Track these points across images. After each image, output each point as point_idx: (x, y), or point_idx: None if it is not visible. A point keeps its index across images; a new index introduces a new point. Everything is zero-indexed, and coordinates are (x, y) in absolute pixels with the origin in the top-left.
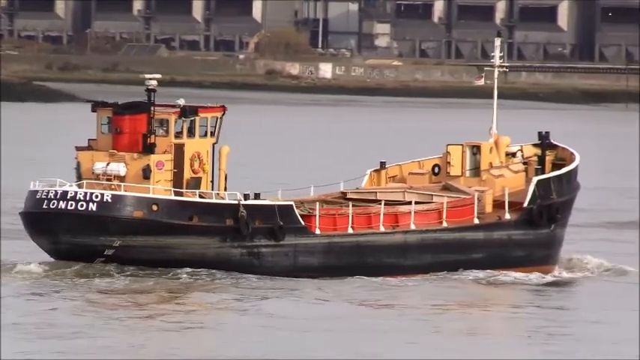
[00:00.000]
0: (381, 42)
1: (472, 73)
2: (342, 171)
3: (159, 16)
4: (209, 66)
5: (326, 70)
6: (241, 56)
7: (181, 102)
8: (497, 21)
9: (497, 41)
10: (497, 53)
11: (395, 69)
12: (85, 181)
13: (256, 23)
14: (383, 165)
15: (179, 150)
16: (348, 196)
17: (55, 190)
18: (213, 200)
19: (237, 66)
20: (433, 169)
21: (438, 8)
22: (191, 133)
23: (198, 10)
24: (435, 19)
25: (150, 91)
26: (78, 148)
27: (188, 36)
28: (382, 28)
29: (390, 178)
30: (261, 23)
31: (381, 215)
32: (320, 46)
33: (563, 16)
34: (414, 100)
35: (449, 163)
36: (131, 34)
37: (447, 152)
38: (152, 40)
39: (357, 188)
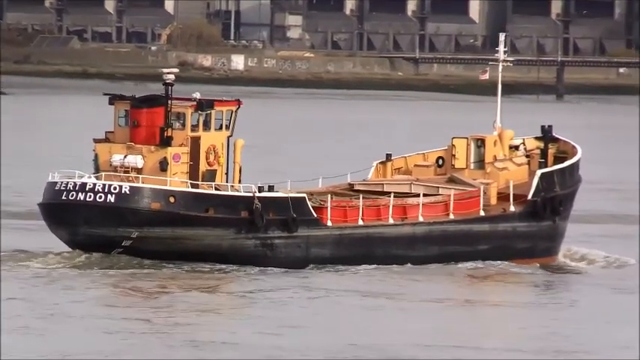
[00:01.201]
0: (293, 34)
1: (383, 66)
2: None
3: (71, 7)
4: (121, 58)
5: (238, 61)
6: (153, 48)
7: (197, 96)
8: (409, 13)
9: (502, 36)
10: (501, 48)
11: (307, 61)
12: (103, 173)
13: (168, 15)
14: (389, 157)
15: (195, 143)
16: (355, 188)
17: (74, 182)
18: (229, 192)
19: (150, 58)
20: (437, 161)
21: (350, 0)
22: (207, 126)
23: (110, 1)
24: (347, 11)
25: (167, 85)
26: (96, 140)
27: (100, 28)
28: (294, 20)
29: (395, 170)
30: (174, 15)
31: (390, 207)
32: (232, 37)
33: (475, 8)
34: (326, 92)
35: (454, 155)
36: (43, 26)
37: (452, 145)
38: (64, 32)
39: (363, 180)
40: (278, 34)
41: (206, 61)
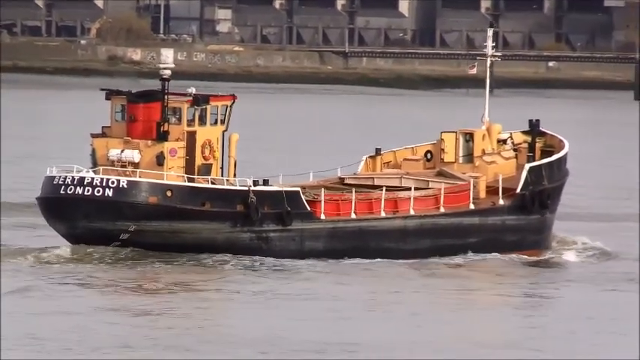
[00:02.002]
0: (223, 27)
1: (313, 59)
2: None
3: (0, 2)
4: (51, 52)
5: (168, 55)
6: (83, 42)
7: (192, 91)
8: (339, 7)
9: (490, 31)
10: (489, 43)
11: (236, 54)
12: (101, 168)
13: (98, 9)
14: (378, 151)
15: (191, 137)
16: (346, 182)
17: (72, 176)
18: (225, 186)
19: (79, 52)
20: (426, 155)
21: None
22: (202, 121)
23: None
24: (277, 5)
25: (164, 80)
26: (93, 135)
27: (30, 21)
28: (224, 14)
29: (384, 164)
30: (103, 9)
31: (382, 201)
32: (162, 31)
33: (404, 2)
34: (256, 86)
35: (443, 149)
36: None
37: (441, 139)
38: None
39: (354, 174)
40: (207, 28)
41: (135, 55)
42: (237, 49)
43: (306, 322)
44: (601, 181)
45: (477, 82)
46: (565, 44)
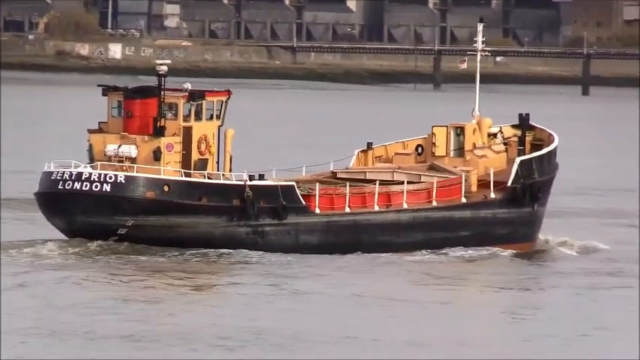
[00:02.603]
0: (171, 22)
1: (261, 54)
2: None
3: None
4: None
5: (116, 50)
6: (31, 37)
7: (188, 86)
8: (287, 2)
9: (480, 26)
10: (479, 38)
11: (184, 50)
12: (99, 163)
13: (46, 4)
14: (370, 145)
15: (187, 132)
16: (338, 176)
17: (70, 172)
18: (221, 181)
19: (27, 47)
20: (417, 149)
21: None
22: (198, 116)
23: None
24: (225, 0)
25: (160, 76)
26: (90, 131)
27: None
28: (171, 9)
29: (376, 158)
30: (51, 4)
31: (376, 195)
32: (110, 26)
33: None
34: (204, 81)
35: (434, 143)
36: None
37: (432, 133)
38: None
39: (346, 168)
40: (156, 23)
41: (83, 50)
42: (185, 44)
43: (295, 315)
44: None
45: (423, 78)
46: (513, 39)
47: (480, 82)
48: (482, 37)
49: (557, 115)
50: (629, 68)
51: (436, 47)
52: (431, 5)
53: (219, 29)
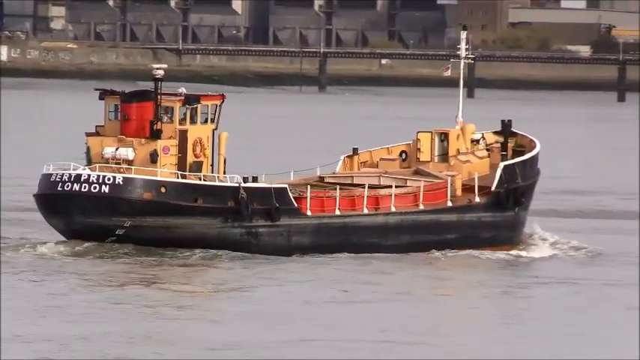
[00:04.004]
0: (57, 25)
1: (146, 56)
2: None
3: None
4: None
5: (1, 52)
6: None
7: (183, 91)
8: (172, 4)
9: (463, 34)
10: (463, 45)
11: (70, 52)
12: (97, 165)
13: None
14: (355, 151)
15: (183, 135)
16: (326, 181)
17: (69, 173)
18: (216, 183)
19: None
20: (401, 154)
21: None
22: (193, 119)
23: None
24: (110, 2)
25: (157, 80)
26: (87, 134)
27: None
28: (57, 11)
29: (361, 163)
30: None
31: (365, 198)
32: None
33: (238, 0)
34: (89, 83)
35: (419, 149)
36: None
37: (417, 139)
38: None
39: (333, 173)
40: (41, 25)
41: None
42: (70, 46)
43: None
44: None
45: (308, 80)
46: (398, 42)
47: (365, 85)
48: (466, 45)
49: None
50: (513, 71)
51: (321, 50)
52: (316, 8)
53: (105, 31)
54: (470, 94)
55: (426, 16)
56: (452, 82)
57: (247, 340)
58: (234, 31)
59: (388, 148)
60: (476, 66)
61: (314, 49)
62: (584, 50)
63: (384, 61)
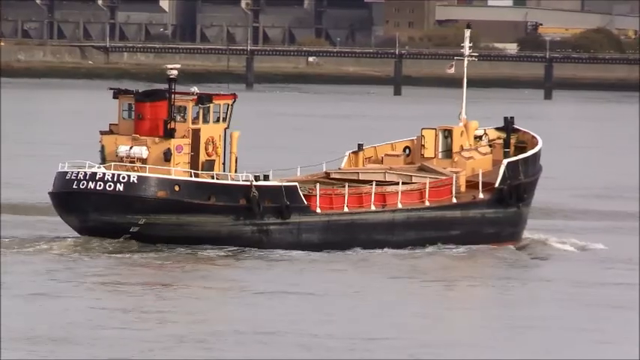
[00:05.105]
0: None
1: (74, 54)
2: None
3: None
4: None
5: None
6: None
7: (195, 90)
8: (100, 2)
9: (467, 32)
10: (466, 44)
11: None
12: (112, 164)
13: None
14: (360, 147)
15: (195, 134)
16: (332, 177)
17: (84, 172)
18: (229, 181)
19: None
20: (404, 150)
21: None
22: (206, 119)
23: None
24: (38, 0)
25: (171, 80)
26: (102, 132)
27: None
28: None
29: (366, 159)
30: None
31: (372, 195)
32: None
33: None
34: (17, 81)
35: (423, 145)
36: None
37: (422, 135)
38: None
39: (339, 168)
40: None
41: None
42: None
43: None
44: None
45: (236, 78)
46: (325, 39)
47: (292, 82)
48: (469, 43)
49: (370, 114)
50: (441, 68)
51: (249, 47)
52: (243, 5)
53: (32, 29)
54: (397, 92)
55: (353, 14)
56: (379, 80)
57: None
58: (162, 29)
59: (392, 144)
60: (403, 64)
61: (241, 47)
62: (511, 48)
63: (311, 59)
